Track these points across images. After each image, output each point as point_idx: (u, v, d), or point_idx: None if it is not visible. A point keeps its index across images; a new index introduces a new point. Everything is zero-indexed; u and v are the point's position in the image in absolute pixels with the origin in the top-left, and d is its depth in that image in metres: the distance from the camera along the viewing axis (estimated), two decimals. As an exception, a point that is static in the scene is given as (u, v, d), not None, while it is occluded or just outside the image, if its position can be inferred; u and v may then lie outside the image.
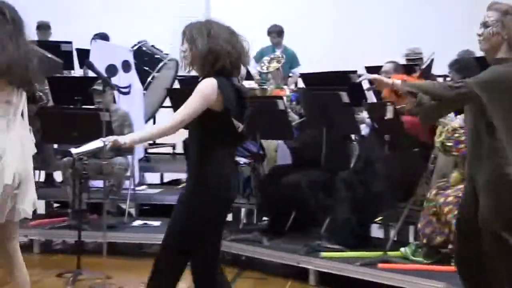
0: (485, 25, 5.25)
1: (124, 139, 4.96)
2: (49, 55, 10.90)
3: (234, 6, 15.82)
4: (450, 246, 7.65)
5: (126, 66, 11.03)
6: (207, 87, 4.97)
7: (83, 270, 8.16)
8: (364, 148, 8.98)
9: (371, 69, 10.79)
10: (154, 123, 12.58)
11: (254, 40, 13.70)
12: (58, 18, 14.14)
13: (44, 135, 9.10)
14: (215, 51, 5.01)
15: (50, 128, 9.22)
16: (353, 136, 9.67)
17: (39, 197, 5.76)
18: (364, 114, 9.36)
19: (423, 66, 10.79)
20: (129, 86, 11.07)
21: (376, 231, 9.47)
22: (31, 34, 5.73)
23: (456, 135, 7.66)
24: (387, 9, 15.17)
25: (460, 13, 14.85)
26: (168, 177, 12.59)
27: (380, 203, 8.58)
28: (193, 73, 11.95)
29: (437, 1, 15.07)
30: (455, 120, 7.91)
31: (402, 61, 11.00)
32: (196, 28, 5.11)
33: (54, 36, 13.63)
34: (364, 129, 9.34)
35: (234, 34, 5.16)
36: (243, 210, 10.35)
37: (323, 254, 8.29)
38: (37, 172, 10.17)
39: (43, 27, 13.64)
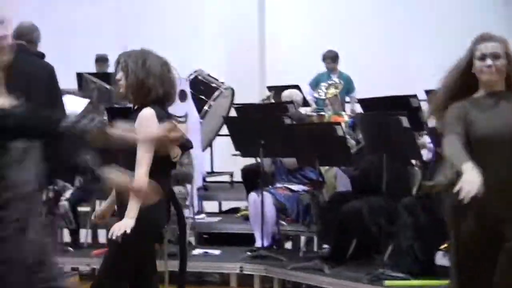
0: (496, 56, 4.89)
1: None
2: (108, 86, 10.97)
3: (288, 32, 15.93)
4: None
5: (182, 95, 11.02)
6: (149, 120, 5.03)
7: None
8: (428, 173, 8.73)
9: (429, 92, 10.64)
10: (211, 151, 12.53)
11: (309, 65, 13.79)
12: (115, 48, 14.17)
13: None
14: (148, 81, 5.07)
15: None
16: (414, 161, 9.43)
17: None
18: (425, 139, 9.24)
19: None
20: (185, 115, 11.02)
21: (441, 259, 9.19)
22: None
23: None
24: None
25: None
26: (226, 205, 12.47)
27: (444, 230, 8.33)
28: (250, 100, 11.89)
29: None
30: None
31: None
32: (132, 58, 5.17)
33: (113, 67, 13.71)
34: (426, 154, 9.18)
35: (166, 64, 5.24)
36: (302, 238, 10.24)
37: (387, 282, 8.08)
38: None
39: (101, 60, 13.96)
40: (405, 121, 8.44)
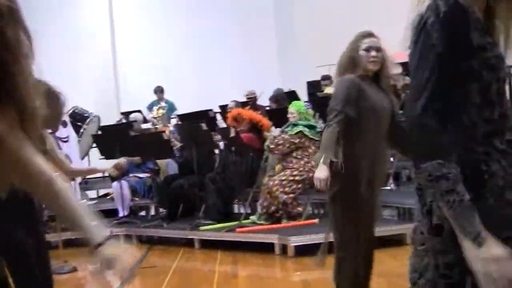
0: (378, 50, 4.02)
1: None
2: None
3: (134, 73, 15.45)
4: (280, 212, 7.88)
5: (64, 123, 10.94)
6: None
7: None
8: (222, 157, 9.07)
9: (222, 107, 10.98)
10: (88, 157, 12.46)
11: (148, 96, 13.43)
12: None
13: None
14: None
15: None
16: (216, 151, 9.65)
17: None
18: (218, 136, 9.45)
19: (256, 101, 11.01)
20: (67, 136, 11.01)
21: (236, 208, 9.55)
22: None
23: (276, 140, 7.88)
24: (229, 61, 15.05)
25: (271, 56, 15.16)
26: (102, 192, 12.37)
27: (235, 190, 8.73)
28: (110, 122, 11.67)
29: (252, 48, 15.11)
30: (274, 132, 8.13)
31: (242, 99, 11.13)
32: None
33: None
34: (221, 145, 9.40)
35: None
36: (152, 206, 10.24)
37: (202, 227, 8.32)
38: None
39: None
40: (204, 126, 8.87)
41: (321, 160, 3.87)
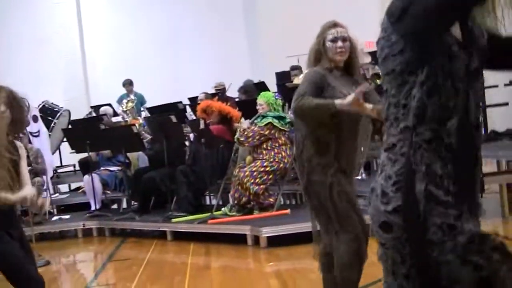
0: (345, 40, 3.87)
1: None
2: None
3: (104, 65, 15.37)
4: (251, 203, 7.87)
5: (35, 118, 10.88)
6: None
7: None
8: (192, 149, 9.01)
9: (192, 99, 10.95)
10: (60, 152, 12.40)
11: (117, 89, 13.42)
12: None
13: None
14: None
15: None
16: (186, 143, 9.59)
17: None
18: (188, 128, 9.39)
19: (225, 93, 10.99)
20: (38, 131, 10.94)
21: (207, 200, 9.55)
22: None
23: (246, 133, 7.85)
24: (198, 53, 15.00)
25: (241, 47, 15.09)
26: (73, 186, 12.28)
27: (205, 182, 8.70)
28: (80, 116, 11.62)
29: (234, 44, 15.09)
30: (244, 123, 8.09)
31: (211, 91, 11.09)
32: None
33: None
34: (192, 137, 9.32)
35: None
36: (124, 199, 10.22)
37: (174, 219, 8.29)
38: None
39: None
40: (174, 119, 8.79)
41: (335, 103, 3.67)
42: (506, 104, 9.60)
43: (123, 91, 13.21)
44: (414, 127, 2.05)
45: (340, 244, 3.86)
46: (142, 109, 11.85)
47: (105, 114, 10.68)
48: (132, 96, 11.54)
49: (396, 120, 2.09)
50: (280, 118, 7.83)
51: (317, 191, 3.88)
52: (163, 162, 8.72)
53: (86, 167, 9.98)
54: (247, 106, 8.76)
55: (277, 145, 7.83)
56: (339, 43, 3.87)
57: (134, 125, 9.51)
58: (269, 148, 7.83)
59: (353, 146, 3.97)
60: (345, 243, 3.84)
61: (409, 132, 2.05)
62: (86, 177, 9.68)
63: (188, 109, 10.84)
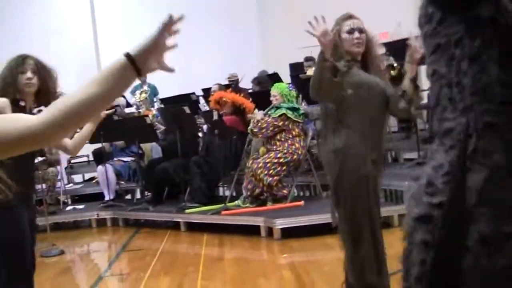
0: (361, 31, 3.84)
1: None
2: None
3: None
4: (265, 195, 7.84)
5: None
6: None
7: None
8: (205, 140, 9.02)
9: (205, 90, 10.90)
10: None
11: None
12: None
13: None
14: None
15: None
16: (200, 134, 9.59)
17: None
18: (201, 120, 9.37)
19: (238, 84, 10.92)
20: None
21: (220, 191, 9.54)
22: None
23: (259, 124, 7.83)
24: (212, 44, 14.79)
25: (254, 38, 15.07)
26: (87, 176, 12.29)
27: (219, 173, 8.70)
28: None
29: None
30: (258, 114, 8.07)
31: (224, 82, 11.04)
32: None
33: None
34: (205, 128, 9.30)
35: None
36: (137, 190, 10.18)
37: (187, 210, 8.28)
38: None
39: None
40: (187, 110, 8.76)
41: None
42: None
43: (136, 81, 13.12)
44: (472, 108, 1.61)
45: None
46: (155, 100, 11.83)
47: (118, 105, 10.59)
48: (145, 87, 11.49)
49: (451, 101, 1.66)
50: (294, 109, 7.79)
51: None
52: (177, 153, 8.71)
53: (100, 157, 9.99)
54: (261, 97, 8.71)
55: (290, 136, 7.79)
56: (356, 34, 3.81)
57: (147, 116, 9.50)
58: (282, 139, 7.79)
59: (378, 135, 3.88)
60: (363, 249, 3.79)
61: (466, 114, 1.62)
62: (100, 167, 9.68)
63: (202, 100, 10.80)
